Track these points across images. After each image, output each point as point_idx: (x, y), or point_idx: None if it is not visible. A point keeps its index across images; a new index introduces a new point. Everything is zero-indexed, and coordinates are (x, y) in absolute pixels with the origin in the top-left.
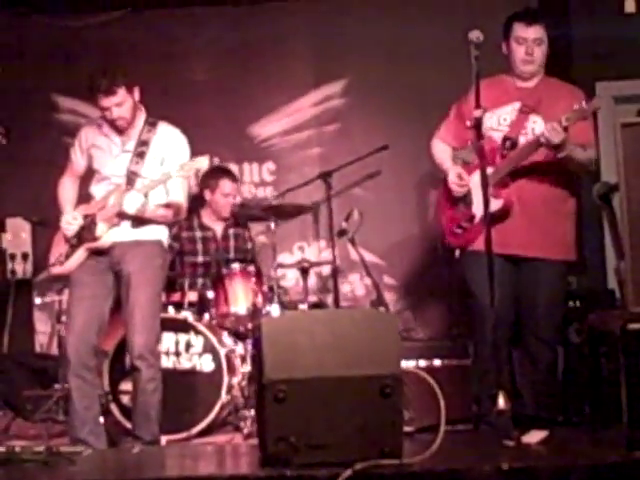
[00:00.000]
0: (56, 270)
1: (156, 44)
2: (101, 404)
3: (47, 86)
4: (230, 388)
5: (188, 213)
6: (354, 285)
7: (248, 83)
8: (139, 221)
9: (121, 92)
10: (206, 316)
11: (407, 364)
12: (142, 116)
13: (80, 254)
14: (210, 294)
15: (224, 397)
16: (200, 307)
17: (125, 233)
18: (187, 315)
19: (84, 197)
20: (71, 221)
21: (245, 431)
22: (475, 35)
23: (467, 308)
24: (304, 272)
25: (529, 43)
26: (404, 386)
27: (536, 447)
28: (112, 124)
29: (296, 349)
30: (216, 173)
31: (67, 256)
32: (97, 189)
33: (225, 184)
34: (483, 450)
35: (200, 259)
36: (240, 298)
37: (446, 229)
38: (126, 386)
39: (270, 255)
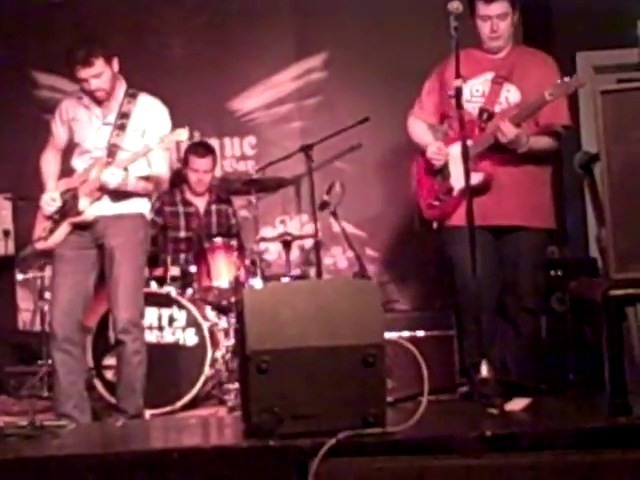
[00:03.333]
0: (40, 245)
1: (134, 18)
2: (85, 379)
3: (25, 62)
4: (214, 362)
5: (171, 188)
6: (337, 258)
7: (228, 57)
8: (121, 194)
9: (99, 63)
10: (189, 290)
11: (390, 335)
12: (122, 87)
13: (63, 229)
14: (193, 268)
15: (208, 371)
16: (183, 281)
17: (107, 207)
18: (170, 289)
19: (66, 171)
20: (49, 202)
21: (229, 404)
22: (454, 6)
23: (448, 280)
24: (286, 245)
25: (493, 20)
26: (387, 356)
27: (520, 414)
28: (91, 96)
29: (279, 320)
30: (188, 149)
31: (51, 231)
32: (78, 162)
33: (193, 160)
34: (466, 418)
35: (182, 234)
36: (222, 272)
37: (423, 202)
38: (109, 361)
39: (252, 229)
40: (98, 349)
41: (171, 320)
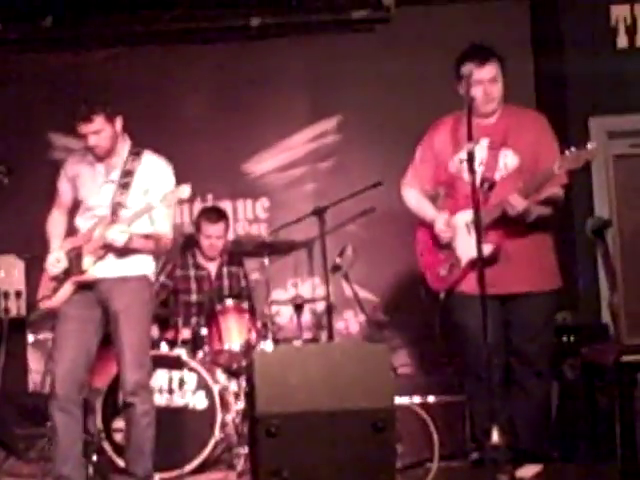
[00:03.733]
0: (44, 305)
1: (151, 81)
2: (94, 442)
3: (43, 123)
4: (224, 425)
5: (183, 251)
6: (348, 322)
7: (242, 120)
8: (125, 253)
9: (99, 120)
10: (200, 353)
11: (401, 401)
12: (126, 145)
13: (67, 288)
14: (204, 331)
15: (217, 434)
16: (194, 344)
17: (111, 268)
18: (181, 352)
19: (69, 230)
20: (55, 263)
21: (238, 469)
22: (468, 69)
23: (455, 347)
24: (298, 308)
25: (485, 83)
26: (397, 421)
27: None
28: (92, 153)
29: (288, 383)
30: (200, 214)
31: (55, 290)
32: (82, 221)
33: (206, 226)
34: None
35: (194, 298)
36: (234, 335)
37: (430, 274)
38: (119, 424)
39: (264, 292)
40: (107, 411)
41: (181, 383)
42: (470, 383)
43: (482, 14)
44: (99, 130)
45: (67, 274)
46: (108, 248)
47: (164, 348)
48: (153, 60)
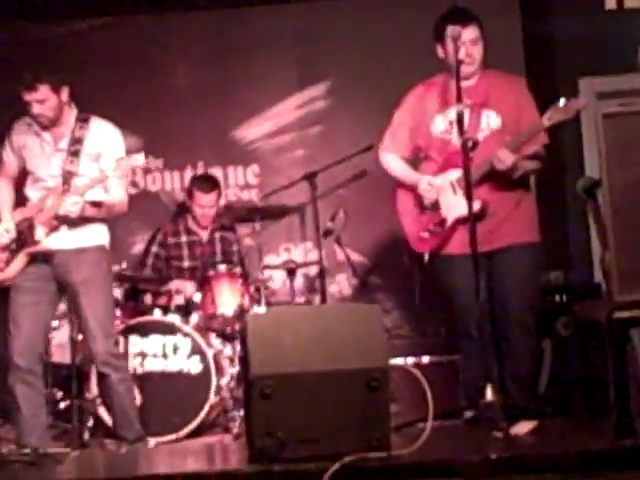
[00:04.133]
0: None
1: (138, 50)
2: (89, 409)
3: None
4: (218, 389)
5: (174, 218)
6: (341, 285)
7: (231, 87)
8: (79, 223)
9: (43, 89)
10: (193, 318)
11: (395, 361)
12: (73, 113)
13: (21, 260)
14: (197, 296)
15: (213, 398)
16: (187, 309)
17: (67, 240)
18: (174, 318)
19: (19, 200)
20: (3, 233)
21: (234, 431)
22: (454, 30)
23: (446, 307)
24: (291, 273)
25: (467, 44)
26: (392, 381)
27: (525, 437)
28: (36, 121)
29: (282, 345)
30: (193, 183)
31: (7, 262)
32: (33, 191)
33: (198, 196)
34: (471, 442)
35: (186, 264)
36: (227, 299)
37: (413, 235)
38: None
39: (256, 257)
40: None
41: (175, 348)
42: (462, 343)
43: None
44: (43, 99)
45: (20, 246)
46: (61, 219)
47: (157, 314)
48: (139, 28)
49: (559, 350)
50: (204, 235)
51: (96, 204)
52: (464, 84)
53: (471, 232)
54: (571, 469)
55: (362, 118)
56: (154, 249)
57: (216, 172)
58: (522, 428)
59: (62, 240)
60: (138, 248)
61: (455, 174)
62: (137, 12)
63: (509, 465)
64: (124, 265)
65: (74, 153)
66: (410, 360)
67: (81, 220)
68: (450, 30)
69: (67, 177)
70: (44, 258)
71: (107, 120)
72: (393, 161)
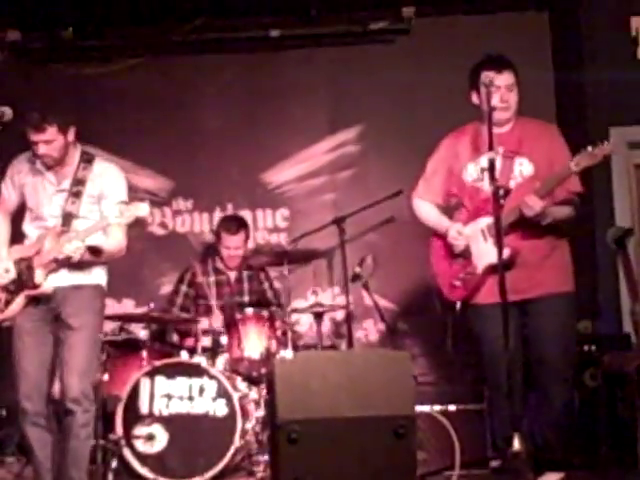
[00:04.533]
0: None
1: (169, 92)
2: (112, 450)
3: None
4: (244, 433)
5: (204, 258)
6: (368, 330)
7: (262, 130)
8: (77, 264)
9: (51, 130)
10: (220, 361)
11: (421, 408)
12: (77, 153)
13: (20, 301)
14: (224, 339)
15: (238, 442)
16: (214, 352)
17: (64, 278)
18: (201, 360)
19: (15, 234)
20: (3, 274)
21: (259, 476)
22: (487, 77)
23: (477, 358)
24: (318, 317)
25: (502, 90)
26: (418, 429)
27: None
28: (41, 161)
29: (309, 390)
30: (220, 224)
31: (7, 303)
32: (30, 228)
33: (225, 237)
34: None
35: (214, 302)
36: (254, 343)
37: (445, 284)
38: (140, 431)
39: (284, 300)
40: (128, 418)
41: (201, 390)
42: (490, 392)
43: (502, 25)
44: (50, 140)
45: (19, 287)
46: (59, 262)
47: (184, 356)
48: (172, 71)
49: (586, 401)
50: (232, 275)
51: (96, 250)
52: (498, 131)
53: (500, 280)
54: None
55: (393, 163)
56: (183, 288)
57: (245, 215)
58: (549, 479)
59: (60, 278)
60: (166, 289)
61: (485, 221)
62: (169, 54)
63: None
64: (152, 306)
65: (76, 194)
66: (437, 408)
67: (81, 264)
68: (483, 76)
69: (67, 218)
70: (43, 299)
71: (115, 162)
72: (425, 208)
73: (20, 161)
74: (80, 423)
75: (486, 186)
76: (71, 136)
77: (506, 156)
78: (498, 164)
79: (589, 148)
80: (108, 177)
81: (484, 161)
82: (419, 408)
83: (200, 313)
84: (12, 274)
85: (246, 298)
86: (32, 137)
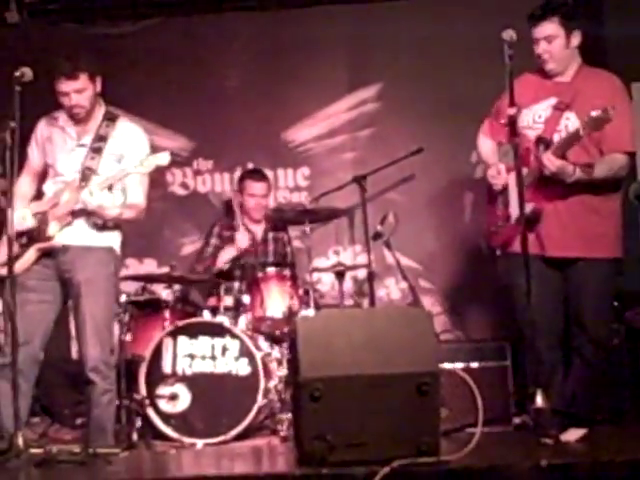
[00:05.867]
0: (4, 271)
1: (189, 51)
2: (136, 410)
3: None
4: (267, 392)
5: (231, 213)
6: (390, 289)
7: (282, 88)
8: (93, 222)
9: (83, 78)
10: (242, 320)
11: (444, 366)
12: (101, 110)
13: (30, 255)
14: (246, 298)
15: (261, 401)
16: (236, 311)
17: (77, 236)
18: (223, 319)
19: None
20: (20, 221)
21: (282, 434)
22: (509, 34)
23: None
24: (340, 276)
25: (541, 42)
26: (441, 386)
27: (575, 445)
28: (69, 113)
29: (332, 348)
30: (243, 175)
31: (17, 256)
32: (50, 185)
33: (250, 185)
34: (521, 448)
35: (238, 222)
36: (276, 302)
37: (486, 229)
38: (163, 391)
39: (305, 259)
40: (151, 378)
41: (224, 350)
42: (519, 344)
43: None
44: (82, 89)
45: (31, 240)
46: (76, 214)
47: (207, 315)
48: (192, 30)
49: (610, 357)
50: (259, 232)
51: (116, 206)
52: (559, 79)
53: (522, 234)
54: (621, 477)
55: (412, 121)
56: (212, 241)
57: (259, 169)
58: (572, 435)
59: (72, 235)
60: (187, 249)
61: (523, 172)
62: (189, 13)
63: (560, 472)
64: (174, 264)
65: (96, 150)
66: (459, 365)
67: (97, 222)
68: (504, 33)
69: (86, 173)
70: (51, 254)
71: (136, 122)
72: (484, 144)
73: (42, 121)
74: (101, 391)
75: (531, 134)
76: (99, 86)
77: (556, 107)
78: (547, 114)
79: (593, 113)
80: (131, 137)
81: (537, 109)
82: (441, 365)
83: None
84: (29, 222)
85: (270, 259)
86: (63, 87)
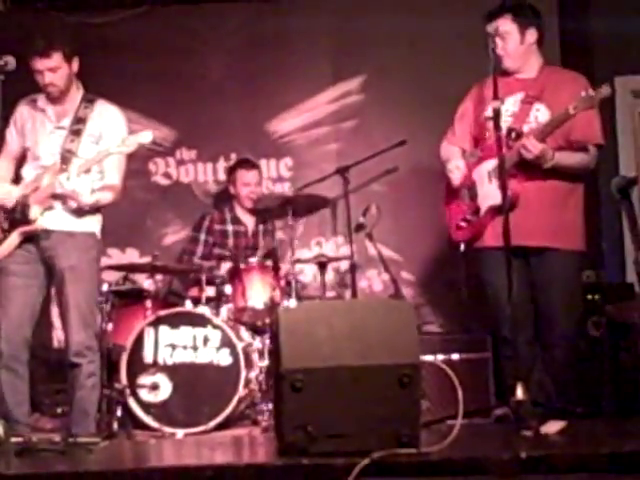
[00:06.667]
0: None
1: (173, 40)
2: (117, 399)
3: None
4: (247, 382)
5: (221, 205)
6: (372, 280)
7: (265, 79)
8: (69, 206)
9: (57, 57)
10: (223, 311)
11: (425, 358)
12: (80, 93)
13: (12, 239)
14: (227, 289)
15: (241, 391)
16: (217, 302)
17: (59, 220)
18: (205, 310)
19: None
20: (6, 195)
21: (263, 424)
22: (493, 27)
23: (483, 301)
24: (322, 267)
25: (495, 40)
26: (422, 379)
27: (554, 437)
28: (45, 92)
29: (313, 339)
30: (235, 165)
31: (0, 241)
32: (29, 169)
33: (242, 174)
34: (501, 440)
35: (227, 252)
36: (257, 292)
37: (451, 224)
38: (144, 380)
39: (288, 250)
40: (132, 368)
41: (205, 340)
42: (496, 339)
43: None
44: (55, 67)
45: (12, 224)
46: (57, 197)
47: (188, 305)
48: (175, 20)
49: (589, 350)
50: (250, 225)
51: (94, 188)
52: (523, 77)
53: (504, 224)
54: (601, 469)
55: (396, 113)
56: (202, 237)
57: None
58: (552, 427)
59: (53, 220)
60: (170, 239)
61: (492, 163)
62: (171, 2)
63: (539, 464)
64: (157, 254)
65: (75, 132)
66: (440, 357)
67: (77, 205)
68: (488, 26)
69: (66, 156)
70: (33, 240)
71: (112, 103)
72: (449, 150)
73: (22, 104)
74: (86, 374)
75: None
76: (75, 66)
77: (525, 101)
78: (515, 109)
79: (587, 92)
80: (109, 118)
81: (500, 105)
82: (422, 357)
83: (212, 260)
84: (13, 197)
85: (260, 253)
86: (37, 65)
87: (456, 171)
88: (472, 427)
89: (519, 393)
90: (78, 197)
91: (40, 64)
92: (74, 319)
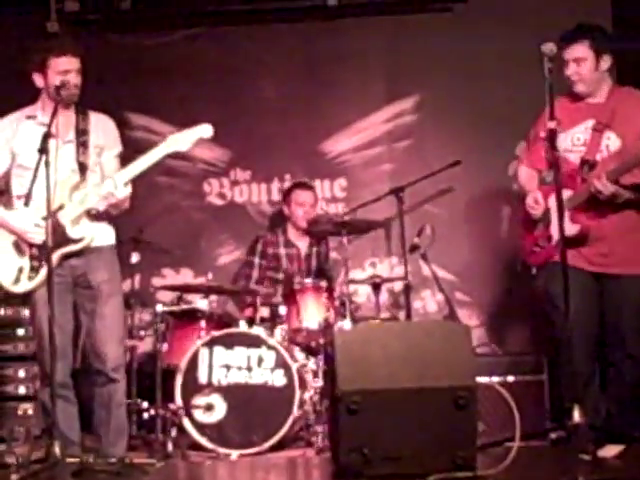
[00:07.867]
0: (19, 288)
1: (227, 62)
2: (172, 420)
3: (120, 104)
4: (302, 403)
5: (273, 229)
6: (426, 301)
7: (319, 100)
8: (98, 219)
9: (81, 60)
10: (278, 331)
11: (481, 379)
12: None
13: (54, 262)
14: (282, 309)
15: (296, 412)
16: (272, 322)
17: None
18: (259, 330)
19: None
20: (36, 230)
21: (317, 446)
22: (548, 47)
23: (547, 323)
24: (376, 288)
25: (570, 64)
26: (479, 401)
27: (612, 461)
28: (66, 93)
29: (369, 361)
30: (291, 187)
31: (37, 269)
32: (33, 188)
33: (297, 194)
34: (558, 464)
35: (281, 276)
36: (312, 313)
37: (526, 249)
38: (199, 401)
39: (342, 271)
40: (187, 388)
41: (260, 361)
42: (560, 355)
43: None
44: (80, 70)
45: (43, 248)
46: (87, 213)
47: (243, 326)
48: (230, 41)
49: None
50: (303, 248)
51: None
52: (592, 101)
53: (562, 255)
54: None
55: (450, 133)
56: (256, 260)
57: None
58: (610, 451)
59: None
60: (224, 260)
61: (567, 194)
62: (227, 24)
63: None
64: (210, 276)
65: (83, 144)
66: (495, 379)
67: (99, 217)
68: (543, 47)
69: (82, 169)
70: (68, 259)
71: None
72: (524, 174)
73: (12, 121)
74: (122, 391)
75: (572, 157)
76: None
77: (595, 129)
78: (587, 137)
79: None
80: (106, 128)
81: (575, 132)
82: (478, 379)
83: (265, 284)
84: (42, 229)
85: (313, 274)
86: (66, 65)
87: (536, 206)
88: (528, 450)
89: (576, 416)
90: (123, 205)
91: (70, 63)
92: (112, 334)
